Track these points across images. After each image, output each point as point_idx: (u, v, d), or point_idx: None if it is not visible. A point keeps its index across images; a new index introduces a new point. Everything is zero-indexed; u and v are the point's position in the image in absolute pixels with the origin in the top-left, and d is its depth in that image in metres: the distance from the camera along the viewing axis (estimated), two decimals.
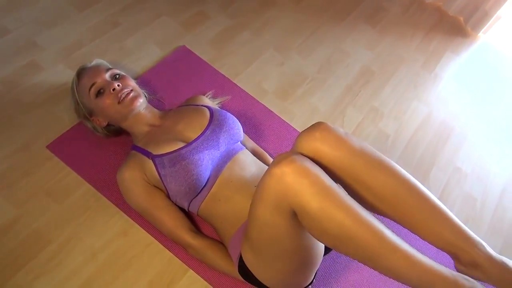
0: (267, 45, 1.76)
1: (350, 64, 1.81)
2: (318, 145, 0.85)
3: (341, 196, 0.79)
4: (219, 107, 1.48)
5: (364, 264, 0.81)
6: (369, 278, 1.28)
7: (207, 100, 1.39)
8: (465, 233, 0.83)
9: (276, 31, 1.82)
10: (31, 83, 1.42)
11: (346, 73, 1.77)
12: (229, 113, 1.25)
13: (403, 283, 0.79)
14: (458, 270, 0.84)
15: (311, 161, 0.82)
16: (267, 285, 1.06)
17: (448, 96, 1.83)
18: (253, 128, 1.50)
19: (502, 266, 0.80)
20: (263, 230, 0.89)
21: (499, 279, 0.80)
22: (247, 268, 1.04)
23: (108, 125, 1.27)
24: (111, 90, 1.18)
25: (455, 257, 0.84)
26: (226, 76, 1.61)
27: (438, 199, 1.50)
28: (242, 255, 1.04)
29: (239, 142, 1.24)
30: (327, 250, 1.16)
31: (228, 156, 1.18)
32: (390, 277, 0.80)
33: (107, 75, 1.21)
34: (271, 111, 1.56)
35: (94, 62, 1.27)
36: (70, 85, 1.26)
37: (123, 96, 1.18)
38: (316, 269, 1.06)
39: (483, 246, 0.82)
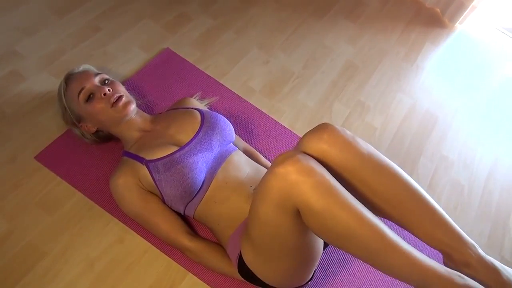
0: (251, 44, 1.77)
1: (334, 60, 1.83)
2: (326, 147, 0.86)
3: (345, 196, 0.80)
4: (207, 108, 1.47)
5: (365, 262, 0.83)
6: (365, 273, 1.30)
7: (196, 102, 1.38)
8: (459, 235, 0.87)
9: (259, 29, 1.83)
10: (14, 93, 1.38)
11: (331, 69, 1.79)
12: (220, 115, 1.25)
13: (401, 281, 0.83)
14: (447, 266, 0.89)
15: (315, 161, 0.83)
16: (268, 283, 1.06)
17: (430, 87, 1.87)
18: (242, 128, 1.50)
19: (491, 267, 0.85)
20: (265, 229, 0.90)
21: (487, 278, 0.85)
22: (247, 267, 1.04)
23: (97, 131, 1.25)
24: (102, 94, 1.16)
25: (448, 255, 0.88)
26: (212, 76, 1.61)
27: (427, 187, 1.54)
28: (242, 254, 1.04)
29: (231, 143, 1.24)
30: (325, 245, 1.17)
31: (222, 158, 1.18)
32: (389, 275, 0.83)
33: (96, 80, 1.19)
34: (260, 110, 1.57)
35: (82, 68, 1.25)
36: (57, 91, 1.23)
37: (114, 100, 1.16)
38: (316, 265, 1.08)
39: (475, 247, 0.87)
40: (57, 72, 1.46)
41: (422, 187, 1.51)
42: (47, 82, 1.43)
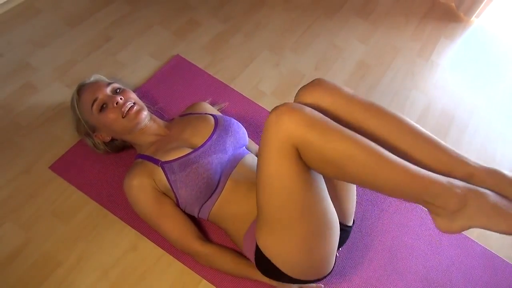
0: (261, 47, 1.76)
1: (345, 59, 1.80)
2: (315, 95, 0.92)
3: (336, 125, 0.83)
4: (219, 113, 1.47)
5: (367, 187, 0.84)
6: (382, 275, 1.28)
7: (208, 107, 1.38)
8: (455, 152, 0.89)
9: (269, 31, 1.82)
10: (28, 105, 1.41)
11: (342, 68, 1.77)
12: (233, 119, 1.26)
13: (405, 199, 0.84)
14: None
15: (303, 104, 0.87)
16: (287, 273, 1.03)
17: (446, 83, 1.83)
18: (254, 131, 1.49)
19: (494, 171, 0.86)
20: (272, 189, 0.90)
21: (493, 182, 0.86)
22: (265, 256, 1.02)
23: (111, 140, 1.27)
24: (114, 104, 1.18)
25: (450, 174, 0.89)
26: (223, 81, 1.61)
27: None
28: (257, 241, 1.02)
29: (244, 147, 1.25)
30: (340, 243, 1.15)
31: (236, 160, 1.19)
32: (391, 195, 0.84)
33: (108, 90, 1.21)
34: None
35: (93, 78, 1.27)
36: (70, 103, 1.25)
37: (127, 109, 1.18)
38: (334, 251, 1.04)
39: (474, 161, 0.89)
40: (69, 82, 1.48)
41: None
42: (60, 93, 1.46)
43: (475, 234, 1.42)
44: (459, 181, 0.82)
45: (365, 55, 1.84)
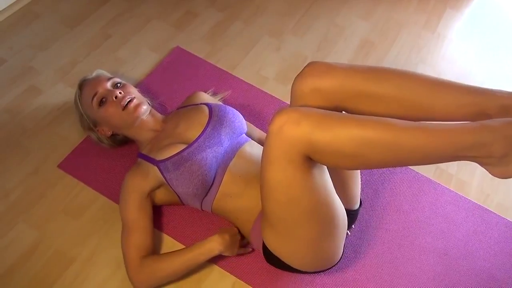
0: (261, 32, 1.74)
1: (348, 38, 1.77)
2: (311, 80, 0.88)
3: (338, 115, 0.79)
4: (221, 102, 1.46)
5: (394, 164, 0.79)
6: (394, 260, 1.25)
7: (206, 96, 1.37)
8: (481, 88, 0.81)
9: (268, 16, 1.79)
10: (33, 107, 1.43)
11: (346, 47, 1.73)
12: (229, 107, 1.24)
13: (436, 161, 0.76)
14: None
15: (301, 107, 0.82)
16: (297, 268, 1.04)
17: (454, 55, 1.77)
18: (258, 117, 1.48)
19: None
20: (278, 195, 0.88)
21: None
22: (273, 253, 1.02)
23: (113, 134, 1.27)
24: (114, 98, 1.18)
25: (485, 115, 0.80)
26: (224, 69, 1.59)
27: (456, 169, 1.45)
28: (264, 241, 1.02)
29: (243, 135, 1.22)
30: (349, 225, 1.13)
31: (233, 151, 1.16)
32: (422, 163, 0.77)
33: (108, 84, 1.21)
34: (274, 97, 1.54)
35: (94, 73, 1.28)
36: (74, 98, 1.27)
37: (126, 103, 1.18)
38: (342, 243, 1.03)
39: (505, 90, 0.79)
40: (72, 83, 1.49)
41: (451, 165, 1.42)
42: (63, 93, 1.47)
43: (494, 204, 1.37)
44: (493, 120, 0.72)
45: (368, 32, 1.80)
